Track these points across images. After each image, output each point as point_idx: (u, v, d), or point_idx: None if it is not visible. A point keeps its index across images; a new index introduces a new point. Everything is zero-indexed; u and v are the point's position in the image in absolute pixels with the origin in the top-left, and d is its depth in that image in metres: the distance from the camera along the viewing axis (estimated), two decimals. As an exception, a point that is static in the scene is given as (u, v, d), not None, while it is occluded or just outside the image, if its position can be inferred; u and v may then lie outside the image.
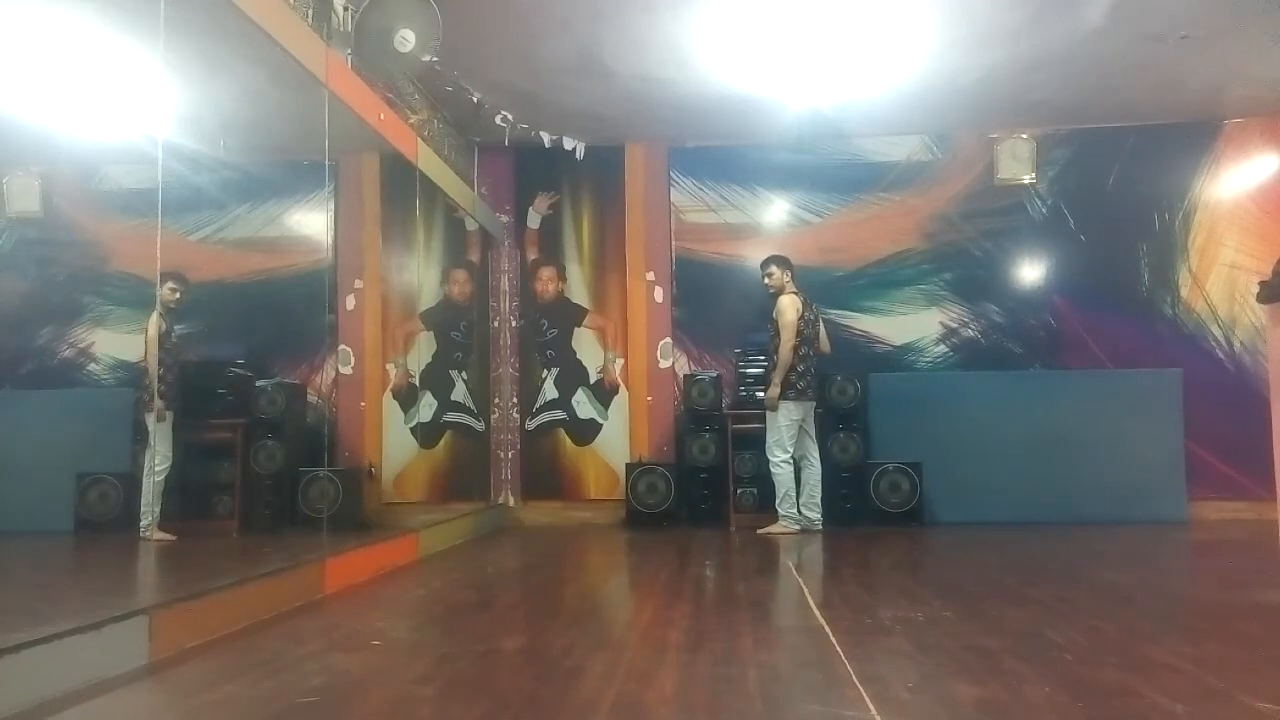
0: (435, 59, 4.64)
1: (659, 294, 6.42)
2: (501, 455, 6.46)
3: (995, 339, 6.23)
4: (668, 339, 6.39)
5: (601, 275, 6.52)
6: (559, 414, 6.46)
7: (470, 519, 5.68)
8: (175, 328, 4.93)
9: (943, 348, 6.26)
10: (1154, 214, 6.18)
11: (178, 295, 4.88)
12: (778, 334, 5.45)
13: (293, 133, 4.45)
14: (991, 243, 6.27)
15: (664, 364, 6.38)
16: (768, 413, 5.43)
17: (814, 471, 5.53)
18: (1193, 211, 6.16)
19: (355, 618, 3.18)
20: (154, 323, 4.80)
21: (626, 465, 6.18)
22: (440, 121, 5.79)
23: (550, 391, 6.48)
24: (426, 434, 6.23)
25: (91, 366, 5.70)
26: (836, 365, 5.98)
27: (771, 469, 5.43)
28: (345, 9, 4.15)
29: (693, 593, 3.64)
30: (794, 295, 5.50)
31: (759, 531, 5.41)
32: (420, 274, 6.33)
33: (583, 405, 6.43)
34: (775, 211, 6.44)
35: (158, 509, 4.60)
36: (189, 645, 2.58)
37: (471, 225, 6.38)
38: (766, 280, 5.58)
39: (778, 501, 5.43)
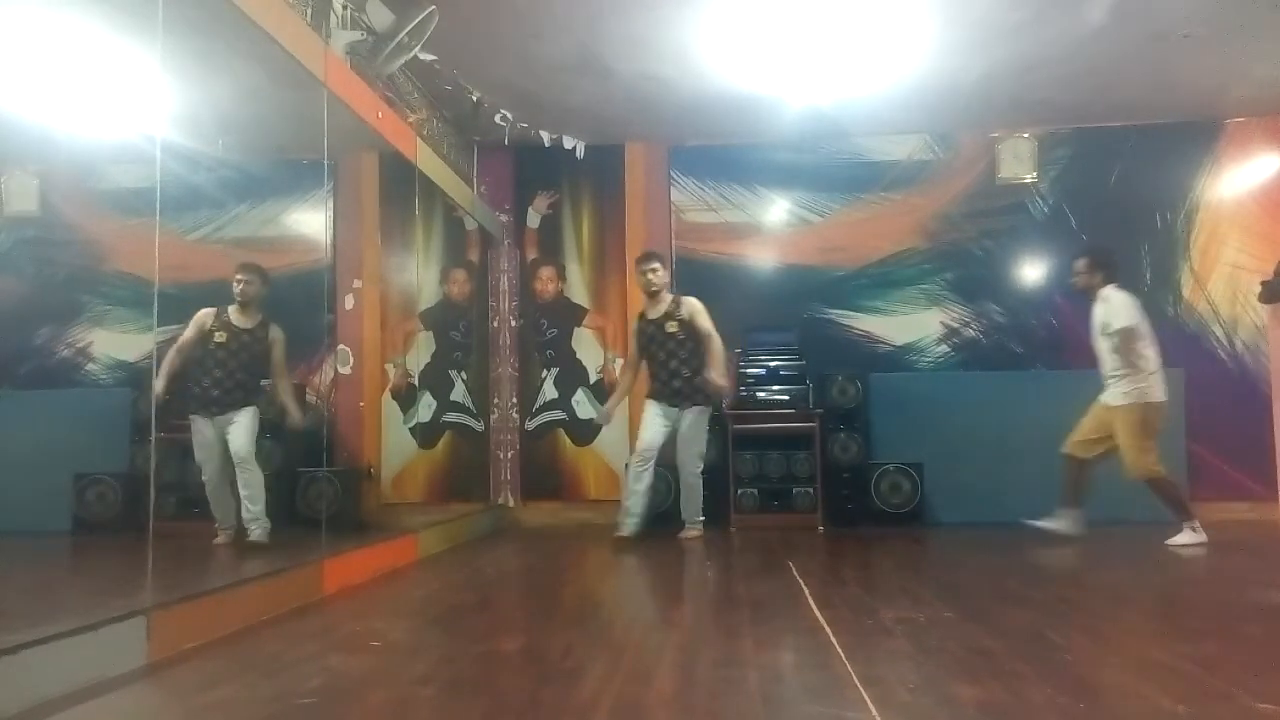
0: (435, 58, 4.64)
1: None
2: (501, 455, 6.45)
3: (997, 339, 6.22)
4: (668, 339, 6.37)
5: (601, 275, 6.51)
6: (559, 414, 6.45)
7: (469, 520, 5.67)
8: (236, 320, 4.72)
9: (944, 348, 6.25)
10: (1155, 214, 6.17)
11: (240, 286, 4.72)
12: (692, 334, 5.21)
13: (291, 132, 4.45)
14: (993, 242, 6.26)
15: (664, 364, 6.36)
16: (702, 417, 5.27)
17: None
18: (1194, 211, 6.15)
19: (354, 619, 3.17)
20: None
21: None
22: (439, 120, 5.78)
23: (550, 391, 6.47)
24: (426, 434, 6.22)
25: (90, 366, 5.69)
26: (837, 365, 5.98)
27: (697, 478, 5.32)
28: (345, 8, 4.15)
29: (693, 593, 3.63)
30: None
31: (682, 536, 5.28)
32: (419, 273, 6.32)
33: (582, 405, 6.42)
34: (776, 211, 6.43)
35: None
36: (188, 646, 2.57)
37: (471, 224, 6.37)
38: (652, 276, 5.28)
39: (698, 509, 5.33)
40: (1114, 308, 4.84)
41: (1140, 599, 3.35)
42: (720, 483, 5.83)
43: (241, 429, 4.59)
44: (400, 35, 4.20)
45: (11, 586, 3.72)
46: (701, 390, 5.21)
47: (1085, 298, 5.06)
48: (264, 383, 4.85)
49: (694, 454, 5.27)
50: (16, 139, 4.75)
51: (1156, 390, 4.79)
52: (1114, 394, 4.85)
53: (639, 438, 5.28)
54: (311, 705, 2.05)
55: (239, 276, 4.70)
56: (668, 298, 5.31)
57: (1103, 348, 4.92)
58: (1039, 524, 4.99)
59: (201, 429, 4.61)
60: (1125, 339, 4.78)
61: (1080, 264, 5.08)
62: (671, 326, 5.22)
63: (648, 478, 5.20)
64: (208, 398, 4.62)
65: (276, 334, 4.76)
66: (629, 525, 5.14)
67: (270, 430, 5.33)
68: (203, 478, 4.61)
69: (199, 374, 4.63)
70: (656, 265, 5.27)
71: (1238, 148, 6.14)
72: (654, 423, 5.22)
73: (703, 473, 5.33)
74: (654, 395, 5.29)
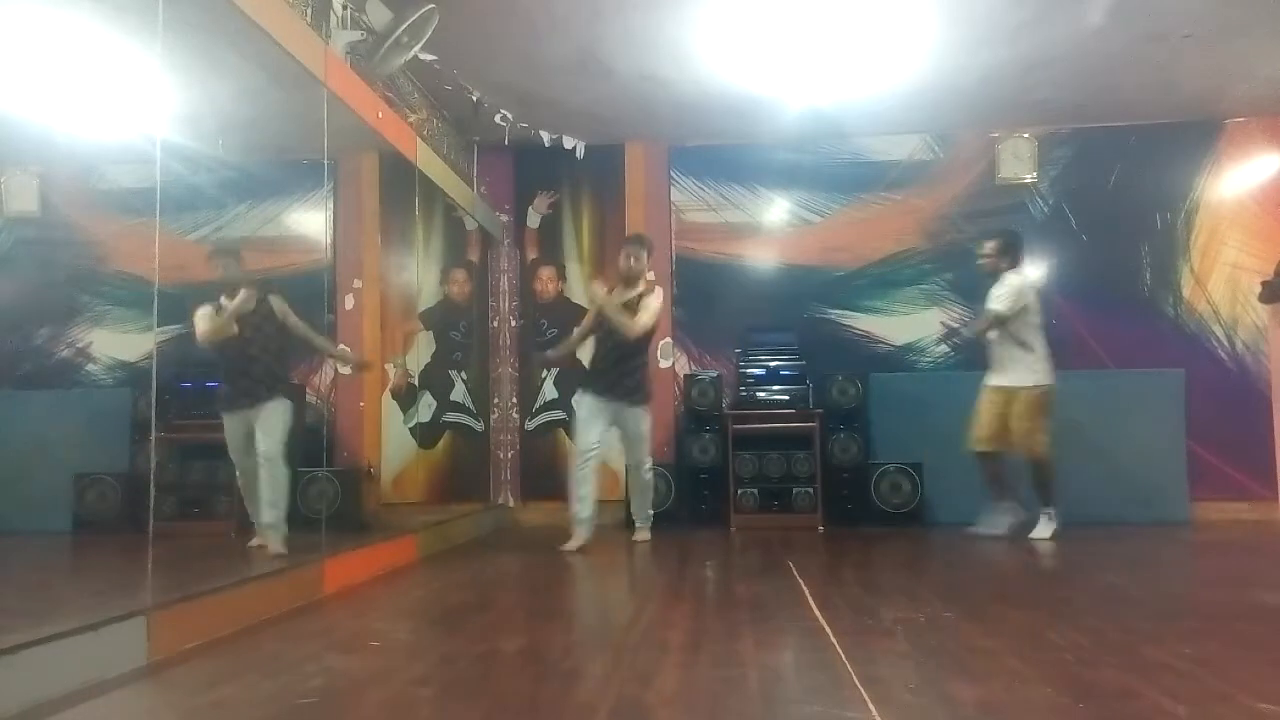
0: (434, 57, 4.63)
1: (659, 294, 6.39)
2: (501, 455, 6.45)
3: (996, 339, 6.21)
4: (668, 339, 6.38)
5: (601, 275, 6.51)
6: (559, 414, 6.44)
7: (469, 519, 5.67)
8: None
9: (944, 348, 6.24)
10: (1155, 213, 6.16)
11: (221, 273, 4.42)
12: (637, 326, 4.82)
13: (291, 132, 4.44)
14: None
15: (664, 364, 6.37)
16: (648, 415, 4.99)
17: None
18: (1194, 211, 6.14)
19: (354, 619, 3.17)
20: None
21: (627, 466, 6.15)
22: (440, 121, 5.78)
23: (550, 391, 6.47)
24: (426, 434, 6.22)
25: (90, 366, 5.69)
26: (837, 365, 5.97)
27: (652, 474, 5.15)
28: (345, 8, 4.15)
29: (693, 593, 3.63)
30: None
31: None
32: (419, 274, 6.32)
33: (583, 405, 6.41)
34: (776, 211, 6.43)
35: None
36: (188, 646, 2.57)
37: (471, 225, 6.38)
38: (635, 263, 4.92)
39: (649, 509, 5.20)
40: (1005, 291, 4.99)
41: (1140, 599, 3.35)
42: (720, 483, 5.83)
43: (269, 424, 4.30)
44: (396, 33, 4.19)
45: (12, 586, 3.72)
46: (646, 388, 4.97)
47: (991, 279, 5.13)
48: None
49: (646, 452, 5.03)
50: (16, 139, 4.75)
51: (1049, 374, 4.98)
52: (1014, 375, 5.00)
53: (579, 438, 4.92)
54: (311, 705, 2.05)
55: (215, 264, 4.44)
56: (641, 286, 4.92)
57: (992, 330, 5.06)
58: (981, 530, 5.04)
59: (230, 426, 4.38)
60: (994, 322, 4.96)
61: (990, 245, 5.20)
62: (624, 314, 4.84)
63: (594, 478, 4.88)
64: (231, 392, 4.39)
65: (278, 303, 4.46)
66: (582, 534, 4.80)
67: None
68: (237, 478, 4.42)
69: (221, 372, 4.44)
70: (642, 254, 4.94)
71: (1238, 148, 6.14)
72: (594, 421, 4.86)
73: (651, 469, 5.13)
74: (592, 388, 4.92)
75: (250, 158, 5.41)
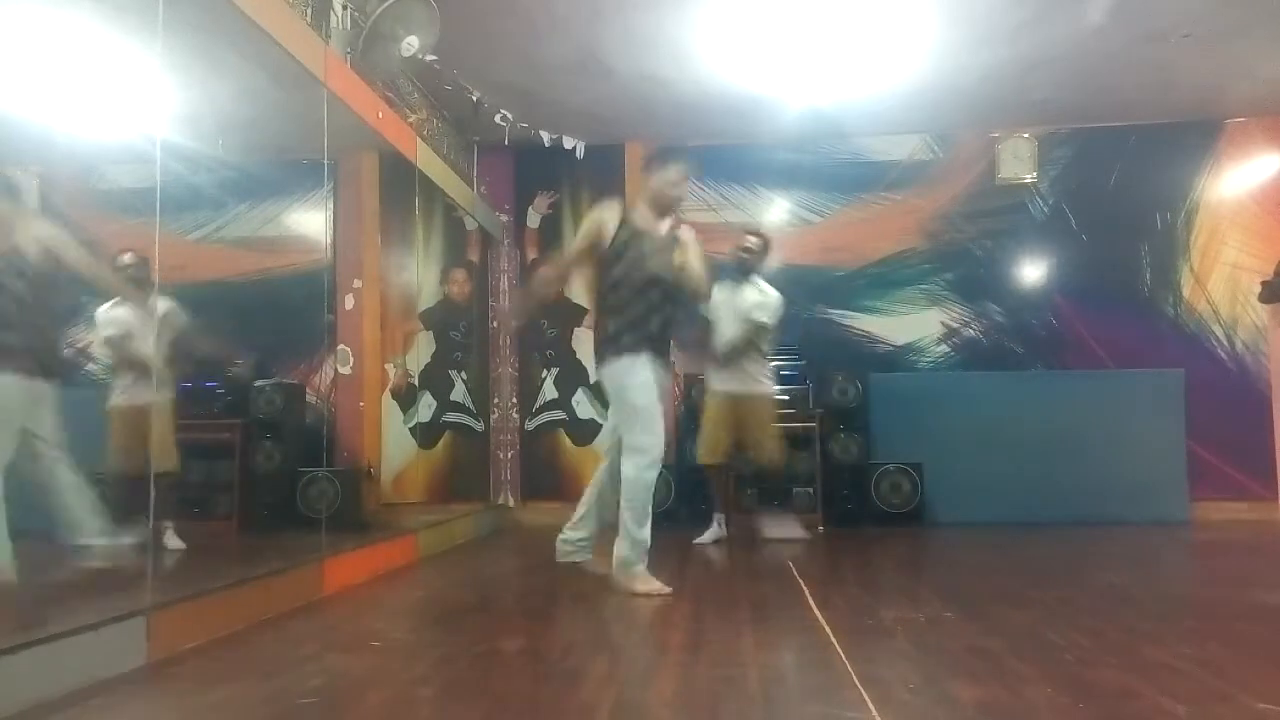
0: (434, 57, 4.63)
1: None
2: (501, 456, 6.45)
3: (997, 339, 6.22)
4: (668, 339, 6.37)
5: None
6: (559, 414, 6.44)
7: (469, 520, 5.67)
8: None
9: (944, 348, 6.24)
10: (1155, 213, 6.16)
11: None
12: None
13: (291, 132, 4.44)
14: (993, 242, 6.25)
15: (664, 364, 6.36)
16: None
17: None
18: (1194, 211, 6.14)
19: (354, 619, 3.17)
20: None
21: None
22: (439, 121, 5.78)
23: (550, 391, 6.47)
24: (426, 434, 6.22)
25: (90, 366, 5.68)
26: (837, 365, 5.97)
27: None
28: (344, 8, 4.15)
29: (693, 593, 3.63)
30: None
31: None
32: (419, 273, 6.32)
33: (583, 405, 6.41)
34: (776, 211, 6.43)
35: None
36: (187, 646, 2.57)
37: (471, 225, 6.37)
38: (680, 191, 3.65)
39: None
40: (771, 302, 4.94)
41: (1140, 599, 3.35)
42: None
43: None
44: (373, 17, 4.13)
45: (12, 586, 3.71)
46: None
47: (745, 273, 5.01)
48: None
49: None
50: (16, 139, 4.75)
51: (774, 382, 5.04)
52: (753, 383, 4.95)
53: (656, 416, 3.49)
54: (311, 705, 2.05)
55: None
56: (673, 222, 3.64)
57: (734, 329, 4.93)
58: (704, 540, 4.97)
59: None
60: (764, 335, 4.93)
61: (754, 240, 5.06)
62: (679, 257, 3.50)
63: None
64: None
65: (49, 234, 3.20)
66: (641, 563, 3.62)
67: (270, 430, 5.32)
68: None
69: None
70: (686, 178, 3.64)
71: (1238, 148, 6.14)
72: (656, 390, 3.54)
73: None
74: (649, 346, 3.52)
75: (250, 158, 5.41)
